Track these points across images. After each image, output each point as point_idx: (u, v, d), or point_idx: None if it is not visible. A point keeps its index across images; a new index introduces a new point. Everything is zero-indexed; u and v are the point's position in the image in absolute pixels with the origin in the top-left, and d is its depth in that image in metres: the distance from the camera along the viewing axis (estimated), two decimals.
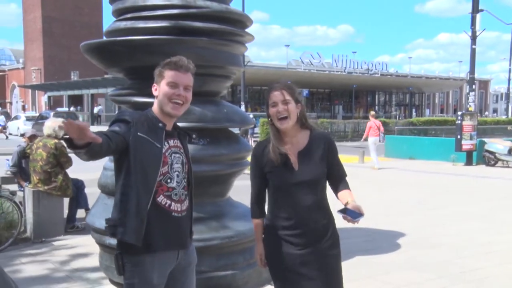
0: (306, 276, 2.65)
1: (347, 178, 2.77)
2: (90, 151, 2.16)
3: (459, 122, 16.42)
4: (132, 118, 2.46)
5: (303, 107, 2.71)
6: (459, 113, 17.28)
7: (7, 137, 30.56)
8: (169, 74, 2.48)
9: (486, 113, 79.36)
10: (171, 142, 2.55)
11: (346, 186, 2.71)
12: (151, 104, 4.39)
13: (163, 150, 2.48)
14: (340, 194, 2.68)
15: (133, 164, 2.41)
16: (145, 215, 2.42)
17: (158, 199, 2.47)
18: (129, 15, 4.64)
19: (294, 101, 2.62)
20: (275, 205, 2.73)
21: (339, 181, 2.72)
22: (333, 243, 2.72)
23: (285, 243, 2.67)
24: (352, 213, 2.44)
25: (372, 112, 17.29)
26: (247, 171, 5.54)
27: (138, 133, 2.42)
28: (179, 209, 2.53)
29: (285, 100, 2.60)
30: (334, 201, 2.77)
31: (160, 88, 2.51)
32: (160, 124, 2.51)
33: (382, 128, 15.65)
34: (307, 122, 2.73)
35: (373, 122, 15.49)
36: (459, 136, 16.26)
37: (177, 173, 2.53)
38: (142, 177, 2.41)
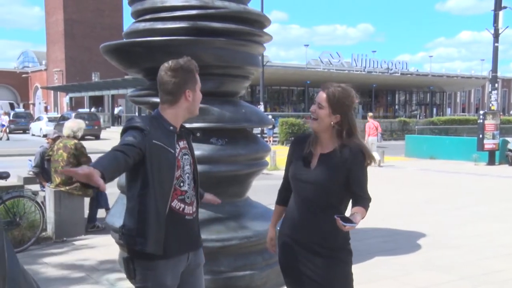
0: (314, 280, 2.62)
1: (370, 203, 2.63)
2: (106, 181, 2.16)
3: (481, 121, 16.18)
4: (145, 125, 2.42)
5: (345, 121, 2.60)
6: (481, 112, 17.03)
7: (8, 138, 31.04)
8: (198, 79, 2.57)
9: None
10: (181, 143, 2.55)
11: (361, 204, 2.57)
12: None
13: (176, 154, 2.48)
14: (351, 210, 2.57)
15: (150, 172, 2.39)
16: (164, 223, 2.41)
17: (172, 204, 2.47)
18: (148, 16, 4.67)
19: (330, 109, 2.58)
20: (291, 202, 2.74)
21: (355, 199, 2.61)
22: (342, 250, 2.66)
23: (295, 243, 2.66)
24: (346, 219, 2.36)
25: (370, 114, 18.34)
26: (266, 171, 5.56)
27: (153, 141, 2.40)
28: (191, 212, 2.54)
29: (320, 104, 2.60)
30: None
31: (196, 93, 2.55)
32: (171, 128, 2.51)
33: (380, 129, 16.74)
34: (343, 137, 2.61)
35: (371, 123, 16.38)
36: (481, 135, 16.03)
37: (187, 175, 2.54)
38: (158, 185, 2.40)
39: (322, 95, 2.62)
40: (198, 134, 2.75)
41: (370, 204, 2.62)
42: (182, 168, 2.50)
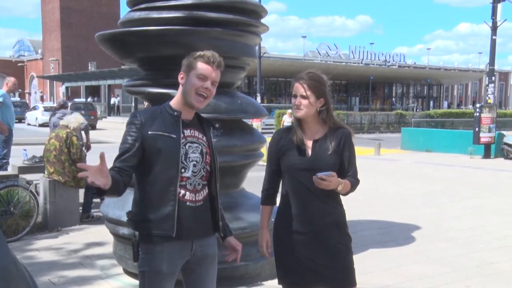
0: (313, 270, 2.65)
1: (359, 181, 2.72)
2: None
3: (477, 114, 16.20)
4: (141, 118, 2.47)
5: (328, 103, 2.69)
6: (478, 105, 17.05)
7: None
8: (201, 67, 2.49)
9: None
10: (187, 132, 2.54)
11: (349, 181, 2.65)
12: (166, 95, 4.44)
13: (180, 140, 2.47)
14: None
15: (152, 161, 2.42)
16: (168, 208, 2.44)
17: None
18: (143, 6, 4.63)
19: (314, 96, 2.63)
20: (286, 194, 2.73)
21: (345, 177, 2.66)
22: (342, 237, 2.71)
23: (294, 234, 2.67)
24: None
25: (289, 110, 21.91)
26: (261, 162, 5.54)
27: (149, 132, 2.43)
28: (193, 199, 2.51)
29: (302, 95, 2.64)
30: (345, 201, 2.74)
31: (188, 79, 2.51)
32: (176, 113, 2.51)
33: None
34: (330, 119, 2.70)
35: (287, 117, 20.76)
36: (477, 129, 16.05)
37: (194, 163, 2.51)
38: (162, 171, 2.42)
39: (300, 86, 2.65)
40: (217, 125, 2.70)
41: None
42: (184, 154, 2.49)
